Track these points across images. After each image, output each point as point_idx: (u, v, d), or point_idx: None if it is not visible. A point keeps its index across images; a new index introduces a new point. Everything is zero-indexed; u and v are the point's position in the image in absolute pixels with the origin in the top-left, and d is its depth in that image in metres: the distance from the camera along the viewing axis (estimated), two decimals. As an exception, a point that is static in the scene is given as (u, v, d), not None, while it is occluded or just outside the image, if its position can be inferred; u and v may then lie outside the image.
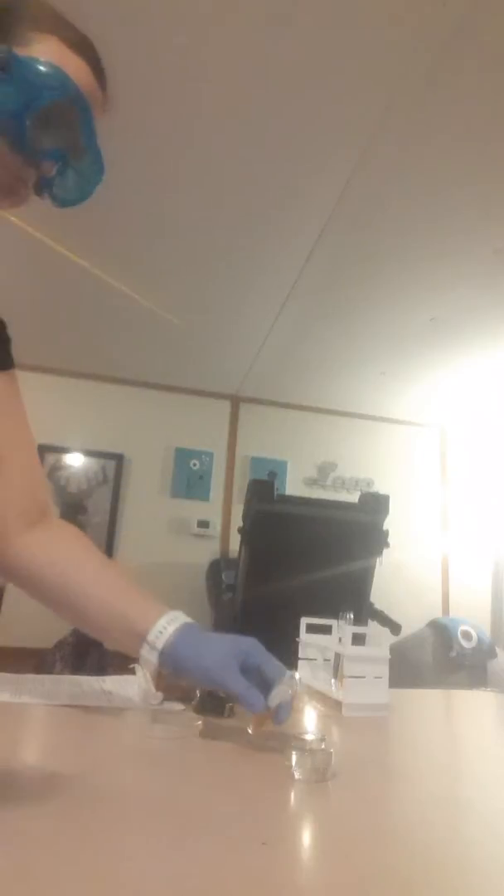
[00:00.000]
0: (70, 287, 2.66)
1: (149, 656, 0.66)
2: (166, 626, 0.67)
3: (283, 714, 0.63)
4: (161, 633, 0.66)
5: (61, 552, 0.76)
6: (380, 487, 3.73)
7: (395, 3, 1.33)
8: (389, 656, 0.87)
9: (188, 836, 0.40)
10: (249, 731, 0.64)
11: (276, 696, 0.62)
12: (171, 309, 2.69)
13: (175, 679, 0.68)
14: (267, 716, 0.62)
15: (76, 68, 0.62)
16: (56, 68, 0.60)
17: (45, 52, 0.60)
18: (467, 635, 3.31)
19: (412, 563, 3.73)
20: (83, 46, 0.64)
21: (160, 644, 0.66)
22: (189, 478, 3.64)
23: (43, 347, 3.25)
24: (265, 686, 0.63)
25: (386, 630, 2.63)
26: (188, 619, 0.69)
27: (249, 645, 0.67)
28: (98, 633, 0.75)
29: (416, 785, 0.57)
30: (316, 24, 1.39)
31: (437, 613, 3.74)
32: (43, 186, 0.65)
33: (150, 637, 0.66)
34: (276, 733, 0.63)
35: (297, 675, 0.65)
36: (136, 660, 0.70)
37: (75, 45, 0.63)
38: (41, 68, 0.59)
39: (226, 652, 0.65)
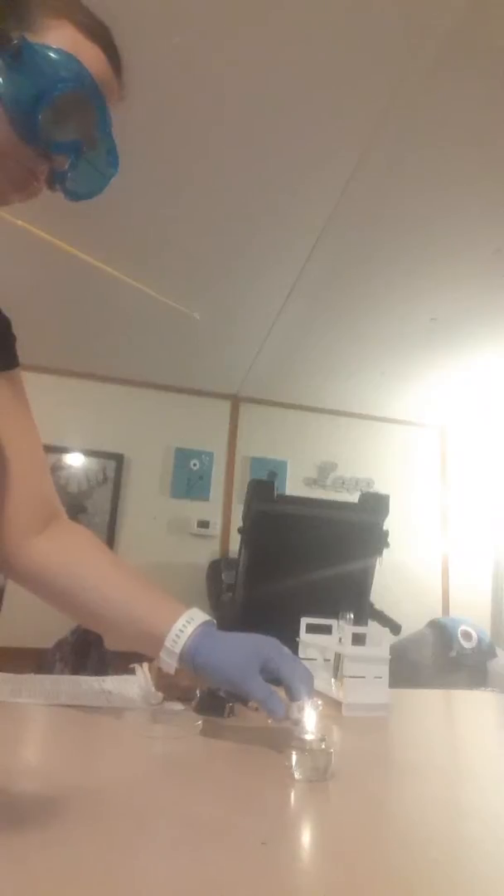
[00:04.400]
0: (70, 287, 2.66)
1: (168, 660, 0.66)
2: (183, 628, 0.66)
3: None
4: (178, 636, 0.65)
5: (74, 555, 0.75)
6: (380, 487, 3.73)
7: (396, 2, 1.33)
8: (389, 656, 0.87)
9: (188, 835, 0.40)
10: (270, 723, 0.64)
11: (297, 709, 0.62)
12: (171, 308, 2.68)
13: (192, 678, 0.68)
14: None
15: (91, 56, 0.59)
16: (70, 57, 0.57)
17: (59, 39, 0.57)
18: (467, 635, 3.31)
19: (412, 563, 3.72)
20: (98, 32, 0.61)
21: (178, 648, 0.65)
22: (189, 478, 3.64)
23: (43, 347, 3.25)
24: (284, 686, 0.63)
25: (386, 630, 2.62)
26: (205, 618, 0.68)
27: (270, 647, 0.66)
28: (115, 636, 0.73)
29: (416, 785, 0.57)
30: (317, 23, 1.39)
31: (437, 613, 3.74)
32: (55, 180, 0.62)
33: (168, 642, 0.65)
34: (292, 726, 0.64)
35: (319, 703, 0.64)
36: (136, 659, 0.70)
37: (90, 31, 0.60)
38: (55, 57, 0.56)
39: (245, 655, 0.64)
